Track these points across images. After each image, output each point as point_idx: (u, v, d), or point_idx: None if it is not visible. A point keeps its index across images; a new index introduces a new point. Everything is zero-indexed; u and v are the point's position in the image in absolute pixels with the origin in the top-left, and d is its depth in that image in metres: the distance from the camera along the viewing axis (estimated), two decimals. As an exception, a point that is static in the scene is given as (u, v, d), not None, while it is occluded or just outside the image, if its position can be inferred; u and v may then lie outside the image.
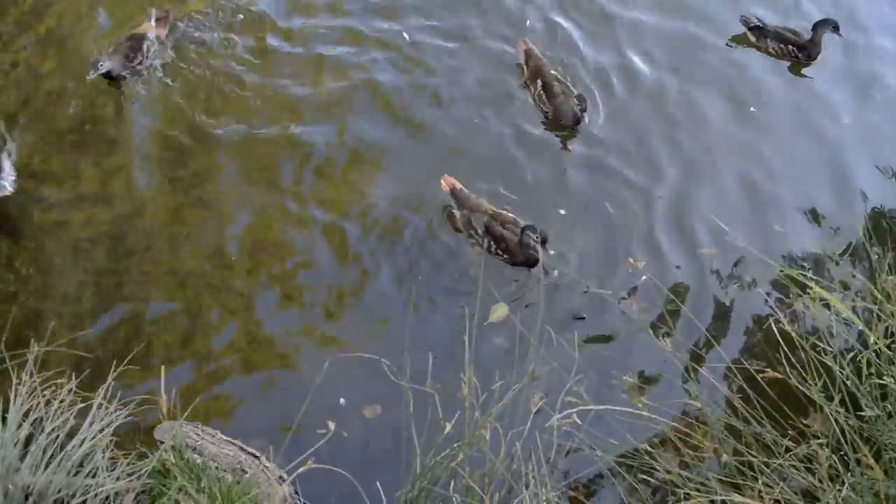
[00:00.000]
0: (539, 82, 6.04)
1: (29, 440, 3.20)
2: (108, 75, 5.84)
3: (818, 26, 6.35)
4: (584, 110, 5.86)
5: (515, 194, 5.49)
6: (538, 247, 4.83)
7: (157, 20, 6.25)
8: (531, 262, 5.06)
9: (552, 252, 5.03)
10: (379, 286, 5.00)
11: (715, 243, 5.07)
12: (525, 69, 6.20)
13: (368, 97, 6.05)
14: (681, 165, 5.76)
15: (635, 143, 5.90)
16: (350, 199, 5.42)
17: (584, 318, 4.83)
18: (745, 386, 3.53)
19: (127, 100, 5.87)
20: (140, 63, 5.96)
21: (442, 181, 5.36)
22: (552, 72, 6.11)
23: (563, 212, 5.43)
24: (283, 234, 5.23)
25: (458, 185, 5.35)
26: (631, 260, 4.19)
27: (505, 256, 5.15)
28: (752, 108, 6.18)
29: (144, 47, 6.00)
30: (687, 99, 6.22)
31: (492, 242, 5.15)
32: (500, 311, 4.96)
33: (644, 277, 4.83)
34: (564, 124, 5.95)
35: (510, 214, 5.19)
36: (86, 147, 5.61)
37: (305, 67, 6.19)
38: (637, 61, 6.45)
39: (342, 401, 4.23)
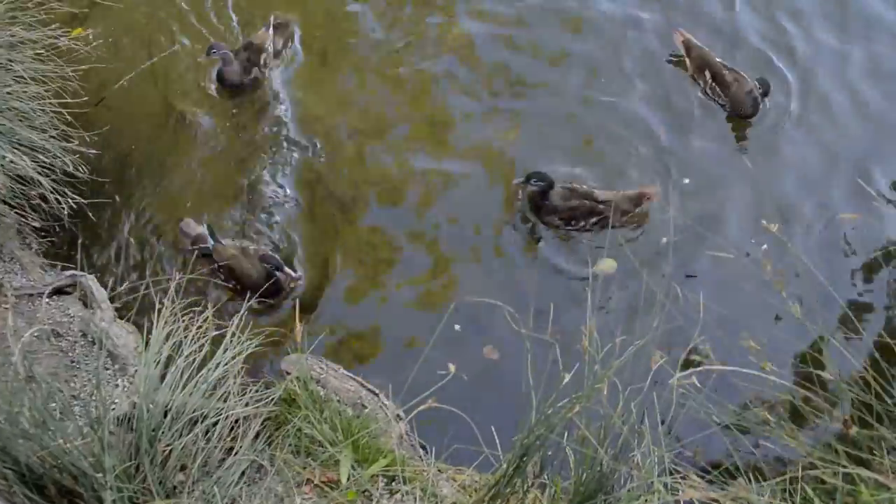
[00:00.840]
0: (707, 73, 5.70)
1: (168, 362, 3.38)
2: (223, 81, 5.82)
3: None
4: (765, 94, 5.50)
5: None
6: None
7: (276, 28, 6.06)
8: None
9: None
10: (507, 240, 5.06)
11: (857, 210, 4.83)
12: (688, 61, 5.84)
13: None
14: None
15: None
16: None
17: (695, 277, 4.75)
18: (879, 358, 3.37)
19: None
20: (257, 73, 5.86)
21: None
22: (718, 59, 5.74)
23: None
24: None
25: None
26: (764, 223, 4.03)
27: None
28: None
29: (262, 58, 5.87)
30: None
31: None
32: (607, 265, 4.92)
33: (764, 247, 4.69)
34: (744, 114, 5.60)
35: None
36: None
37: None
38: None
39: (457, 327, 4.31)
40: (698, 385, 3.06)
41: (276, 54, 6.02)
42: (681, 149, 5.54)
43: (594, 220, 5.02)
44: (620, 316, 4.60)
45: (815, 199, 5.22)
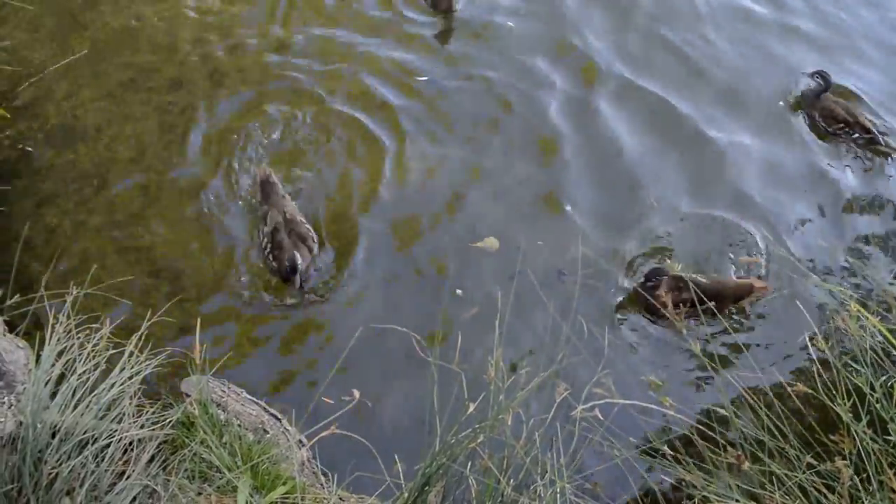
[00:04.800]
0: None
1: (60, 380, 3.24)
2: None
3: None
4: None
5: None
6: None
7: None
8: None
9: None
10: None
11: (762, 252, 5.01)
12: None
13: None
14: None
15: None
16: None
17: (566, 276, 4.91)
18: (772, 396, 3.50)
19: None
20: None
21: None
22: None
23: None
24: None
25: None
26: (668, 261, 4.16)
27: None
28: None
29: None
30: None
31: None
32: (490, 243, 5.01)
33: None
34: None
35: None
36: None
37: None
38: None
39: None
40: (601, 418, 3.11)
41: None
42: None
43: None
44: (527, 348, 4.64)
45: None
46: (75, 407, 3.18)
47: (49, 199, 5.16)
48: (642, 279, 4.83)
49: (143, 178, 5.35)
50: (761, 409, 3.42)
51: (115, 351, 3.43)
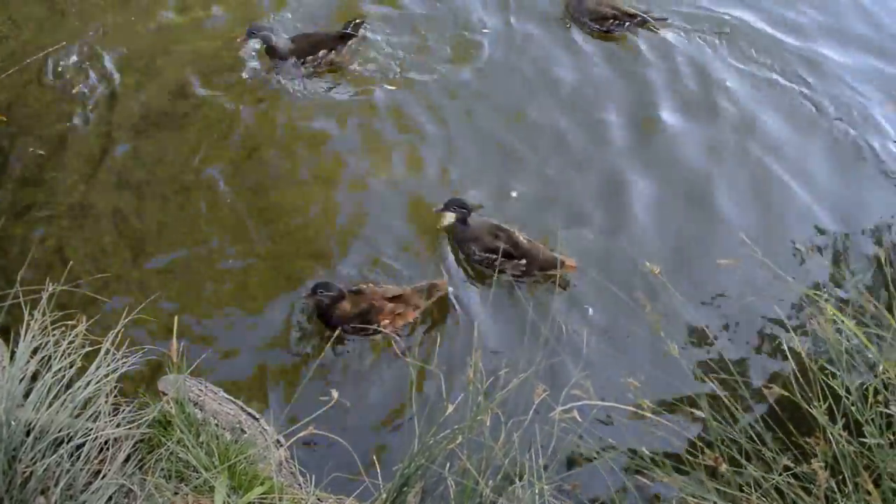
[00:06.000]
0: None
1: (35, 377, 3.20)
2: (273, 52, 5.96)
3: None
4: None
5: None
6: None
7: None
8: None
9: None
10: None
11: (736, 254, 5.03)
12: None
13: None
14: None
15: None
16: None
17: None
18: (749, 399, 3.53)
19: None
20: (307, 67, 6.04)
21: None
22: None
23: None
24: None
25: None
26: (647, 264, 4.16)
27: None
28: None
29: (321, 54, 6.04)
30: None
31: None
32: (447, 219, 5.14)
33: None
34: None
35: None
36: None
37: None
38: None
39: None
40: (579, 419, 3.11)
41: None
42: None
43: None
44: (507, 349, 4.64)
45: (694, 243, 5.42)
46: (50, 405, 3.14)
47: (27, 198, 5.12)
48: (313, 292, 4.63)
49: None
50: (738, 411, 3.45)
51: (91, 348, 3.40)
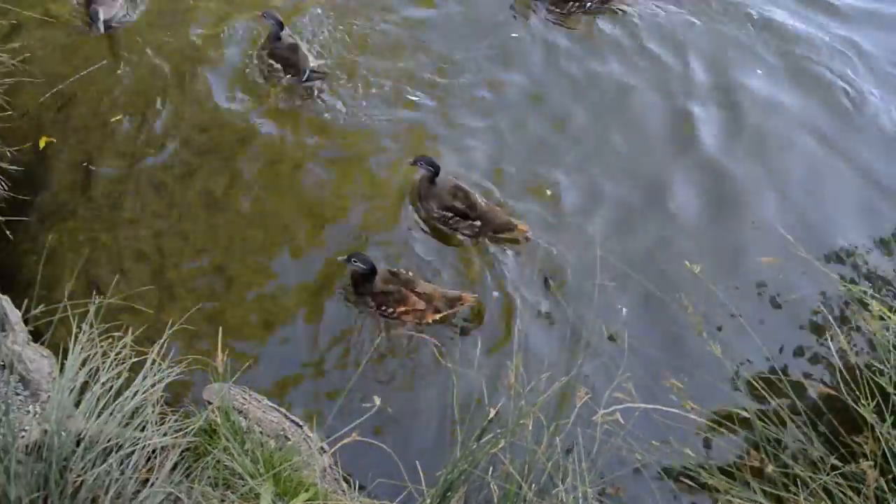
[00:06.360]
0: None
1: (84, 388, 3.27)
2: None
3: None
4: None
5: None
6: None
7: None
8: None
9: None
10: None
11: (777, 252, 4.96)
12: None
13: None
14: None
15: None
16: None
17: (551, 282, 4.95)
18: (794, 398, 3.48)
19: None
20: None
21: None
22: None
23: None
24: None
25: None
26: (688, 264, 4.13)
27: None
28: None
29: None
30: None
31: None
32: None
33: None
34: None
35: None
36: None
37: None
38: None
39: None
40: (622, 422, 3.10)
41: None
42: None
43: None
44: (546, 352, 4.62)
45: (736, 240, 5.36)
46: (99, 415, 3.19)
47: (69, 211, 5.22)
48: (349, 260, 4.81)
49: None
50: (783, 410, 3.41)
51: (137, 359, 3.46)
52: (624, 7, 6.83)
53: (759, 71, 6.48)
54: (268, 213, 5.30)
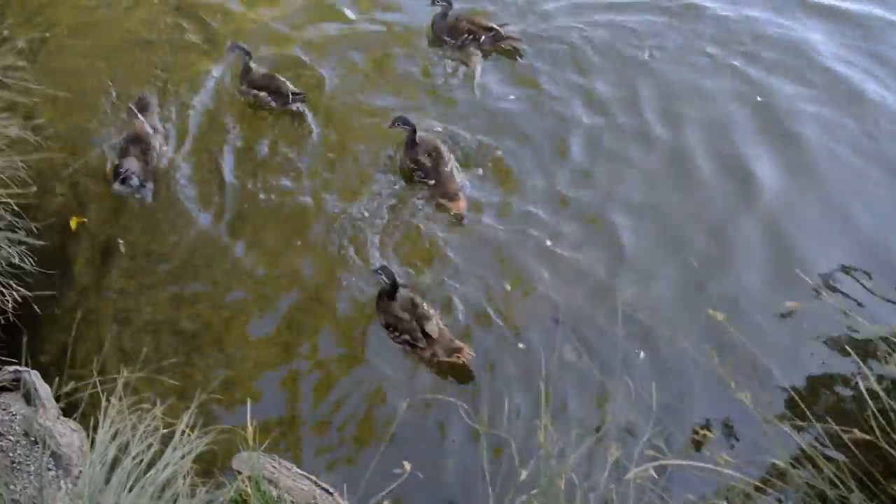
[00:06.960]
0: None
1: (115, 462, 3.27)
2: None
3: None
4: None
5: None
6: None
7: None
8: None
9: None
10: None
11: (802, 297, 4.92)
12: None
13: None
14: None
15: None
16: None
17: (559, 322, 4.94)
18: (830, 445, 3.42)
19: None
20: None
21: None
22: None
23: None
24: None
25: None
26: (711, 311, 4.09)
27: None
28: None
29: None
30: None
31: None
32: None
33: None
34: None
35: None
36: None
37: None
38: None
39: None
40: (655, 476, 3.06)
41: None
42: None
43: None
44: (576, 407, 4.58)
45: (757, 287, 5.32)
46: (131, 489, 3.20)
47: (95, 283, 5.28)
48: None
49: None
50: (819, 458, 3.34)
51: (166, 430, 3.46)
52: (516, 44, 7.11)
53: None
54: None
